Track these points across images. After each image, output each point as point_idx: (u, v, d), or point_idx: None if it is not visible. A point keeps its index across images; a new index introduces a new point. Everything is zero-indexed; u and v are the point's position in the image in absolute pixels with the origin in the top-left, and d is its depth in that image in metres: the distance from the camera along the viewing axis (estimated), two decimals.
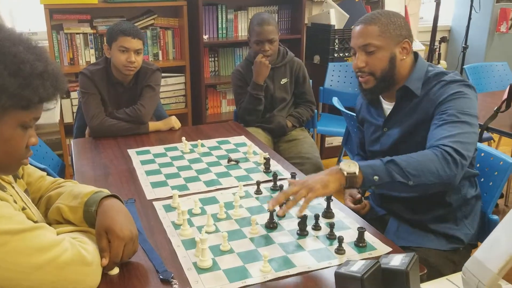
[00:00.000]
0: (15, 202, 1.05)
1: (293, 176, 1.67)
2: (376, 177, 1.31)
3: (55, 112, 3.18)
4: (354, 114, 2.25)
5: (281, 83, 2.74)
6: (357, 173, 1.31)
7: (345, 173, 1.30)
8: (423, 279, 1.14)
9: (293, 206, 1.31)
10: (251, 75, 2.70)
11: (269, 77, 2.67)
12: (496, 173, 1.68)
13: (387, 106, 1.66)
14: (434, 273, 1.30)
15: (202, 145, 2.10)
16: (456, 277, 1.11)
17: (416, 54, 1.63)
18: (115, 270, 1.16)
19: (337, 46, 3.77)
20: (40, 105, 1.03)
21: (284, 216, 1.43)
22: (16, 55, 0.97)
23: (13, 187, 1.12)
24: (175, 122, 2.40)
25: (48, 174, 1.38)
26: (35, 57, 1.00)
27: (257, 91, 2.63)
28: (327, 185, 1.29)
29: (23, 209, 1.08)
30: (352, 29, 1.63)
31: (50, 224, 1.15)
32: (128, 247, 1.14)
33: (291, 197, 1.31)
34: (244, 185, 1.66)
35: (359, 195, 1.74)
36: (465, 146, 1.37)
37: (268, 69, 2.63)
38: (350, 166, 1.32)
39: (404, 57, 1.57)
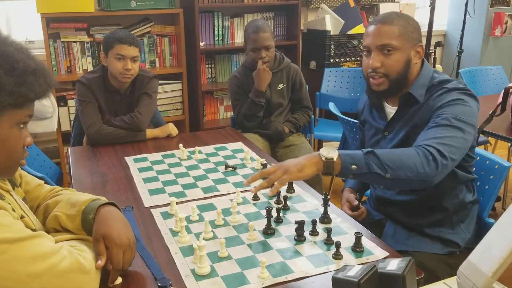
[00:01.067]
0: (14, 210, 1.05)
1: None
2: (354, 166, 1.32)
3: (52, 121, 3.18)
4: (351, 119, 2.26)
5: (278, 88, 2.76)
6: (335, 159, 1.31)
7: (323, 158, 1.31)
8: (420, 283, 1.15)
9: (267, 186, 1.33)
10: (248, 81, 2.71)
11: None
12: (491, 176, 1.69)
13: (390, 110, 1.65)
14: (431, 277, 1.31)
15: (200, 152, 2.11)
16: (453, 280, 1.11)
17: (422, 60, 1.61)
18: (118, 280, 1.16)
19: (333, 51, 3.79)
20: (33, 102, 1.06)
21: (257, 197, 1.59)
22: (9, 54, 1.00)
23: (11, 195, 1.13)
24: (172, 129, 2.40)
25: (46, 183, 1.38)
26: (26, 56, 1.03)
27: (259, 97, 2.65)
28: (303, 169, 1.30)
29: (22, 217, 1.08)
30: (366, 28, 1.59)
31: (48, 232, 1.15)
32: (127, 254, 1.14)
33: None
34: (241, 191, 1.66)
35: (356, 202, 1.74)
36: (449, 149, 1.37)
37: (270, 75, 2.65)
38: (329, 152, 1.33)
39: (417, 61, 1.57)
